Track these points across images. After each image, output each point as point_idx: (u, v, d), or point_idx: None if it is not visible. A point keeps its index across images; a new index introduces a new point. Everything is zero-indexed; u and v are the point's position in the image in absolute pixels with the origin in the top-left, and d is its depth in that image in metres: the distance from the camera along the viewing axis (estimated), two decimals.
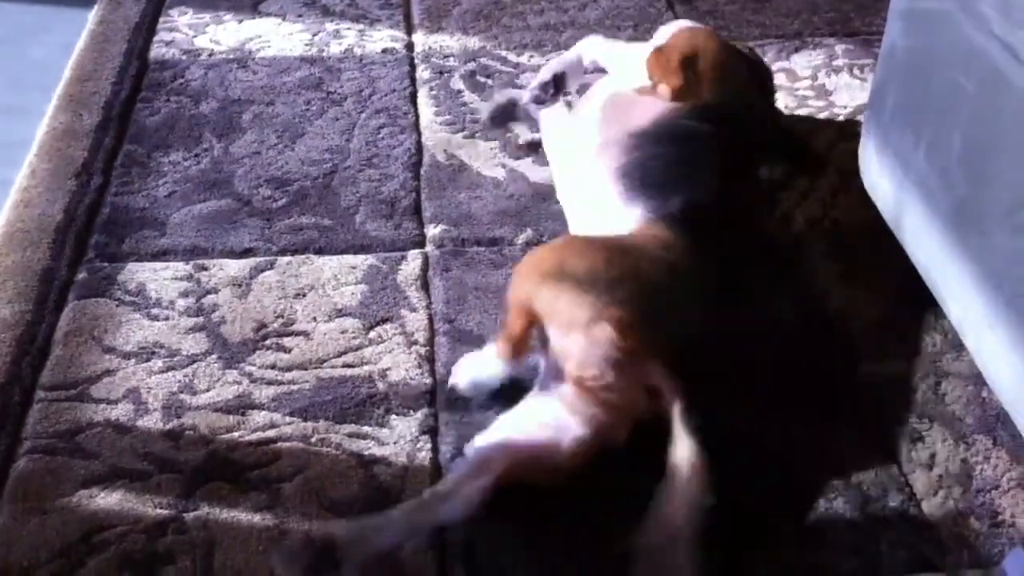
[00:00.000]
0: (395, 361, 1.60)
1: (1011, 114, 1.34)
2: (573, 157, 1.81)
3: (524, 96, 2.07)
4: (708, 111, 1.76)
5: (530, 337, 1.45)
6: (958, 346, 1.58)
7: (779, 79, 2.27)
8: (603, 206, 1.66)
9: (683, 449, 1.30)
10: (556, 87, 2.03)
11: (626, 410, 1.39)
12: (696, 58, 1.81)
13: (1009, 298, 1.37)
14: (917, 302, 1.67)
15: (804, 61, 2.34)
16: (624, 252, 1.48)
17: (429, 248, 1.83)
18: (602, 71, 2.00)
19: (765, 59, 2.32)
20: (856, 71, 2.31)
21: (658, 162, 1.67)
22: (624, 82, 1.86)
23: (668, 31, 1.94)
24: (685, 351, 1.39)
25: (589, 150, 1.75)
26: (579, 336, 1.37)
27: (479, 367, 1.55)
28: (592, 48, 2.03)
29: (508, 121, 2.09)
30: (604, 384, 1.37)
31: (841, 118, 2.16)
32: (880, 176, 1.75)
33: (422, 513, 1.32)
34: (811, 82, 2.27)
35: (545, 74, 2.04)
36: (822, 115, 2.16)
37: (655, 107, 1.77)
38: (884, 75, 1.71)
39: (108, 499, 1.39)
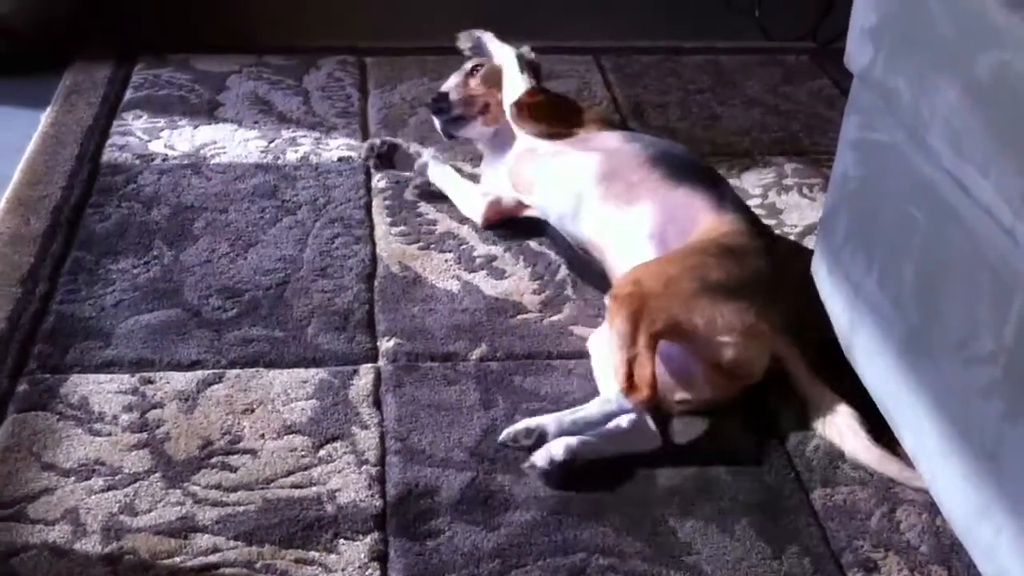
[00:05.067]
0: (345, 482, 1.57)
1: (961, 248, 1.37)
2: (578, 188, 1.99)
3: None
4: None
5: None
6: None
7: None
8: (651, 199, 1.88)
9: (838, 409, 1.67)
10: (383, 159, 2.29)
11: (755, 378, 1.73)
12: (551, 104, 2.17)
13: (963, 430, 1.38)
14: (872, 427, 1.67)
15: (754, 179, 2.38)
16: (737, 254, 1.75)
17: (382, 362, 1.80)
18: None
19: None
20: (806, 190, 2.35)
21: (661, 151, 1.99)
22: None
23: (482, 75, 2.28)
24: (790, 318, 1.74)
25: (590, 172, 1.98)
26: (741, 339, 1.66)
27: (573, 427, 1.62)
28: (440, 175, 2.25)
29: (388, 165, 2.24)
30: (747, 366, 1.70)
31: (792, 237, 2.18)
32: (832, 298, 1.76)
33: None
34: (761, 200, 2.31)
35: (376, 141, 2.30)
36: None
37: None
38: (835, 201, 1.74)
39: None
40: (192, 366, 1.76)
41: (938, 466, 1.45)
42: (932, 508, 1.55)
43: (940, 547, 1.51)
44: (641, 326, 1.63)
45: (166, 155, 2.34)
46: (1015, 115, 1.24)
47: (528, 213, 2.12)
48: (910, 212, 1.49)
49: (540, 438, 1.60)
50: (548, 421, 1.62)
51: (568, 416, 1.63)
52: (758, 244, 1.80)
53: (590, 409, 1.64)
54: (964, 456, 1.37)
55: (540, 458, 1.58)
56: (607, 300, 1.73)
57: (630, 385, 1.61)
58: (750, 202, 2.28)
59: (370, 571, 1.43)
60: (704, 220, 1.83)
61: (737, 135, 2.56)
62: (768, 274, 1.75)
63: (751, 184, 2.36)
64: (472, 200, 2.18)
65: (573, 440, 1.59)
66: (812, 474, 1.62)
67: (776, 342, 1.71)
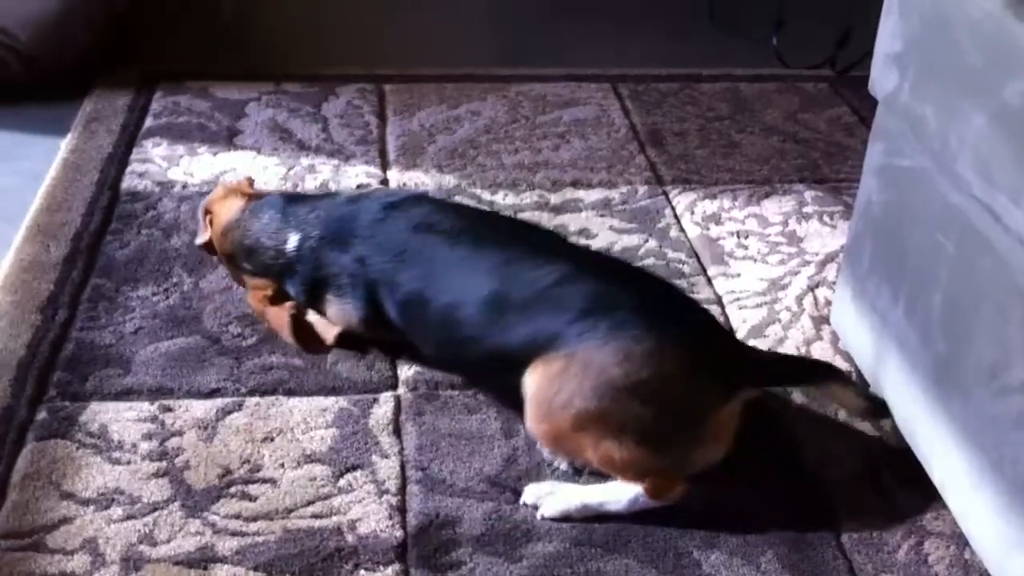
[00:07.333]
0: (365, 511, 1.55)
1: (992, 276, 1.35)
2: None
3: None
4: None
5: None
6: (940, 504, 1.56)
7: (750, 225, 2.30)
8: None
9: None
10: None
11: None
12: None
13: (994, 461, 1.36)
14: (897, 458, 1.65)
15: (775, 207, 2.37)
16: (635, 391, 1.48)
17: (402, 390, 1.79)
18: None
19: (736, 203, 2.36)
20: (826, 218, 2.33)
21: None
22: None
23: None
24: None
25: None
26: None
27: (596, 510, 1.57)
28: None
29: None
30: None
31: (812, 265, 2.17)
32: (857, 328, 1.75)
33: None
34: (782, 228, 2.29)
35: None
36: (793, 262, 2.18)
37: None
38: (860, 229, 1.73)
39: None
40: (211, 394, 1.75)
41: (969, 498, 1.43)
42: (961, 540, 1.52)
43: None
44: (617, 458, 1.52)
45: (186, 182, 2.34)
46: None
47: None
48: (938, 240, 1.47)
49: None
50: (573, 505, 1.56)
51: (594, 501, 1.56)
52: (642, 366, 1.48)
53: (618, 505, 1.56)
54: (996, 488, 1.35)
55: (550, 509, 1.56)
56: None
57: (658, 487, 1.54)
58: (770, 229, 2.27)
59: None
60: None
61: (757, 163, 2.55)
62: (673, 386, 1.49)
63: (771, 212, 2.35)
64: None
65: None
66: (838, 505, 1.60)
67: (728, 421, 1.55)
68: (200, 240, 2.02)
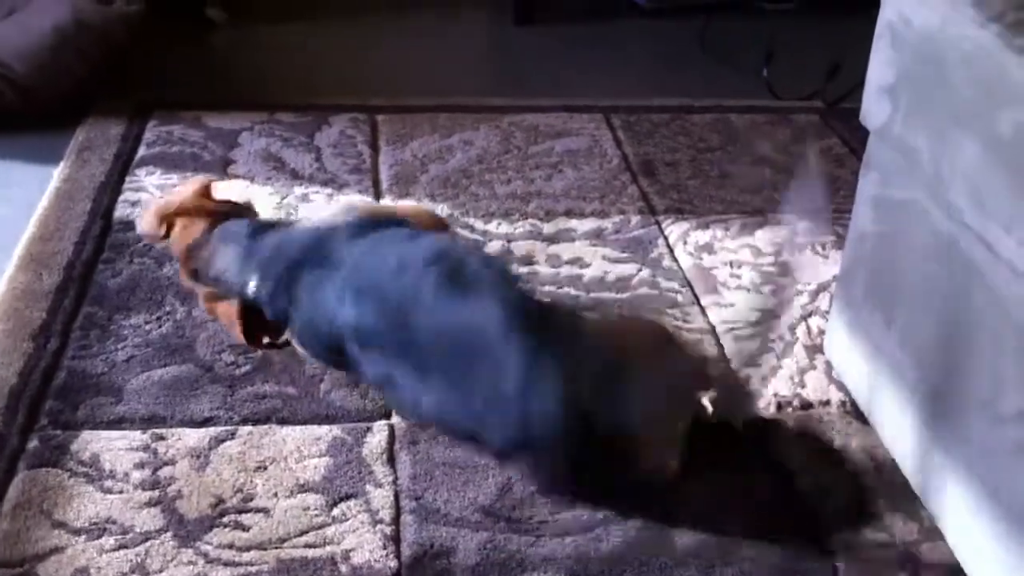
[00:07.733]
0: (359, 541, 1.54)
1: (987, 305, 1.36)
2: None
3: None
4: None
5: None
6: (935, 534, 1.56)
7: (743, 255, 2.30)
8: None
9: None
10: None
11: None
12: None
13: (991, 490, 1.36)
14: (892, 487, 1.65)
15: (767, 237, 2.38)
16: None
17: (396, 419, 1.78)
18: None
19: (728, 233, 2.37)
20: (818, 248, 2.34)
21: None
22: None
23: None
24: None
25: None
26: None
27: None
28: None
29: None
30: None
31: (805, 295, 2.18)
32: (850, 358, 1.75)
33: None
34: (775, 258, 2.30)
35: None
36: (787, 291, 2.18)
37: None
38: (853, 259, 1.73)
39: None
40: (204, 422, 1.74)
41: (965, 527, 1.43)
42: (957, 570, 1.52)
43: None
44: None
45: None
46: None
47: None
48: (931, 269, 1.48)
49: None
50: None
51: None
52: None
53: None
54: (994, 517, 1.35)
55: None
56: None
57: None
58: (763, 259, 2.28)
59: None
60: None
61: (748, 193, 2.56)
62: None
63: (764, 242, 2.35)
64: None
65: None
66: (833, 536, 1.60)
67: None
68: (145, 232, 2.06)
